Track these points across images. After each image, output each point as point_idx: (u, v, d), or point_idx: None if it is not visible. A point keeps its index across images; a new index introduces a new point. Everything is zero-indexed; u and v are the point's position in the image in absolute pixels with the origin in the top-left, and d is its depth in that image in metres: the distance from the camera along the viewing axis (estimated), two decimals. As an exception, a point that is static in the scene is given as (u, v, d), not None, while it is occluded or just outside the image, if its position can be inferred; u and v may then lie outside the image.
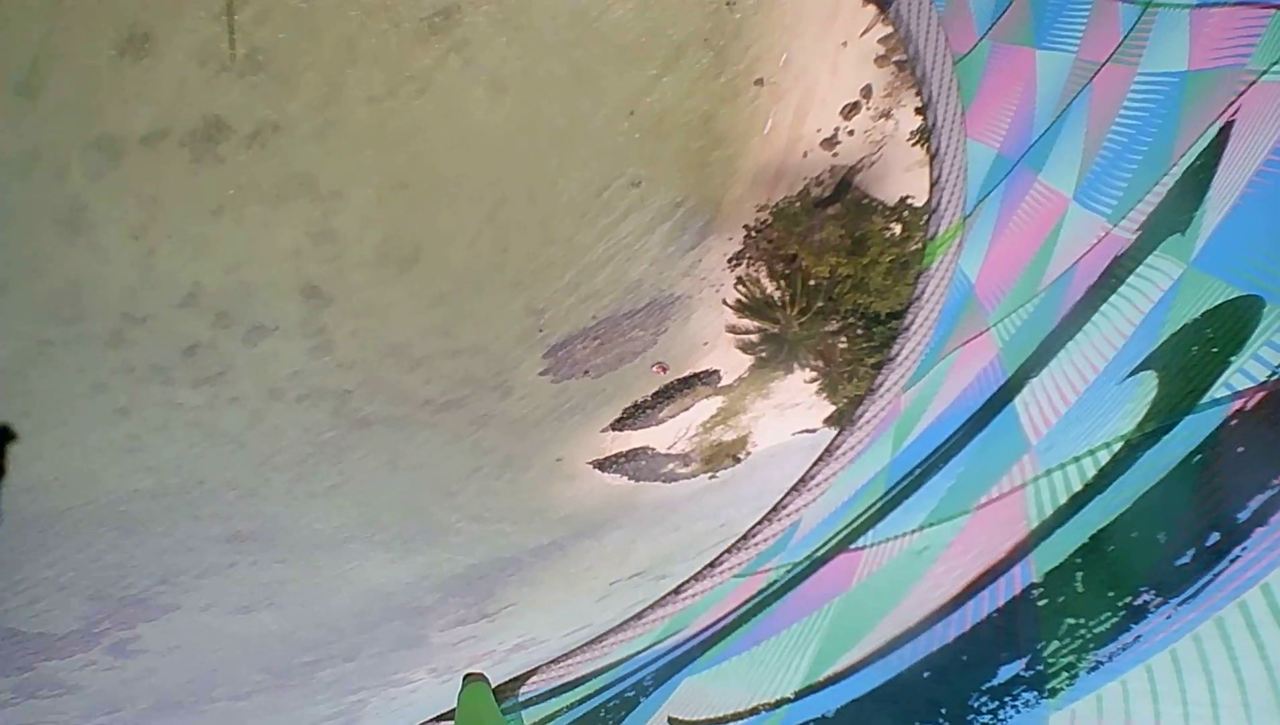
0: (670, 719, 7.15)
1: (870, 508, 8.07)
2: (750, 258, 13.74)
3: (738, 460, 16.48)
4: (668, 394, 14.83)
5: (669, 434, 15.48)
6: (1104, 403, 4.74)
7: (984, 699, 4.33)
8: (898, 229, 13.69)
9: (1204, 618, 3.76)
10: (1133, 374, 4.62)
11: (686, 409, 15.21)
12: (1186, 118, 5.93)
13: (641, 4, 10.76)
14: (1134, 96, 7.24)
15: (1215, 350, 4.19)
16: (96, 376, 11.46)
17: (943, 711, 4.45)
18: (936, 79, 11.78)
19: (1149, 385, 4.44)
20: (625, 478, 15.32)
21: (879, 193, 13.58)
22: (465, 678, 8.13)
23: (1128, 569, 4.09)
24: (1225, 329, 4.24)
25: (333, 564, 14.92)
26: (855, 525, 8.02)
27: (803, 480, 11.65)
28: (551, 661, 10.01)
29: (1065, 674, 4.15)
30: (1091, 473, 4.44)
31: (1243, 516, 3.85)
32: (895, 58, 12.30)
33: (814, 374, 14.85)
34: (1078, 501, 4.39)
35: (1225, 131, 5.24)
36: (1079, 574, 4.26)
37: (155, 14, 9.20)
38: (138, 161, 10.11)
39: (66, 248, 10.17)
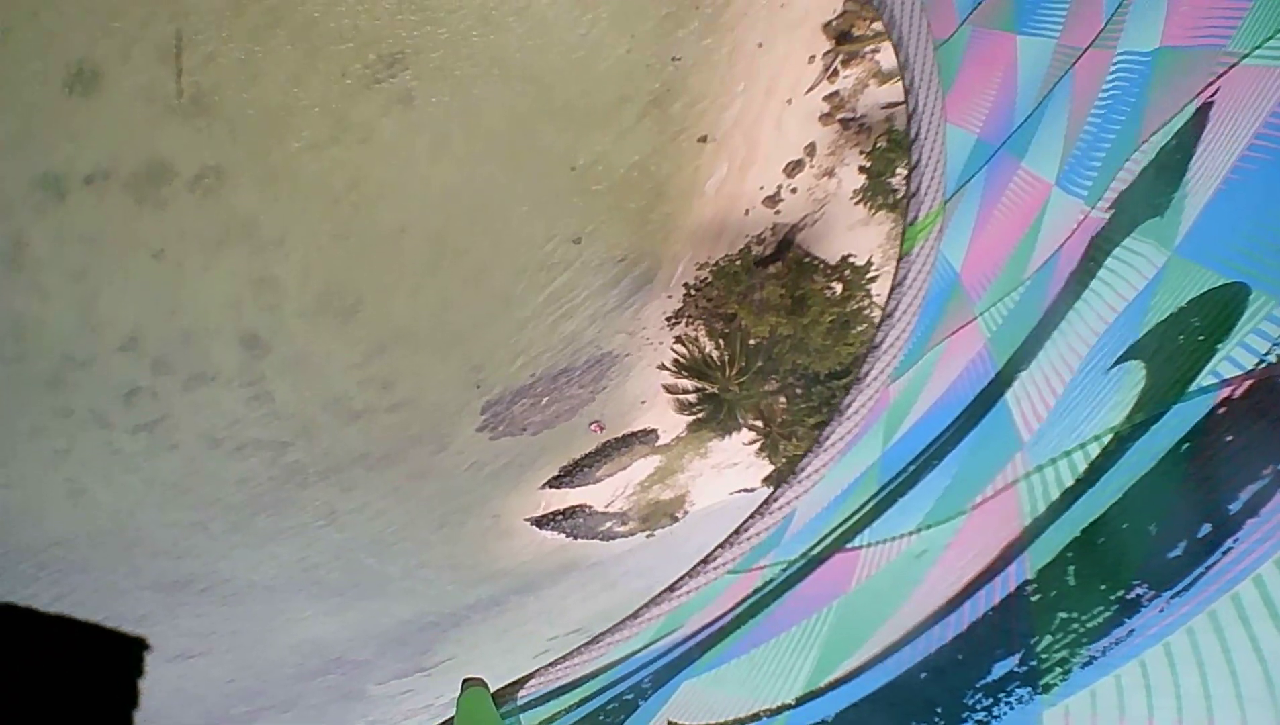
0: (670, 723, 7.12)
1: (865, 504, 8.06)
2: (689, 316, 13.67)
3: (675, 519, 16.48)
4: (605, 452, 14.79)
5: (606, 492, 15.47)
6: (1091, 395, 4.71)
7: (979, 696, 4.31)
8: (839, 288, 13.62)
9: (1197, 610, 3.74)
10: (1118, 364, 4.59)
11: (624, 467, 15.20)
12: (1157, 93, 5.89)
13: (587, 59, 10.54)
14: (1110, 77, 7.21)
15: (1202, 338, 4.17)
16: (36, 418, 11.24)
17: (938, 710, 4.44)
18: (918, 64, 11.70)
19: (1136, 376, 4.41)
20: (562, 535, 15.30)
21: (821, 251, 13.51)
22: (464, 682, 8.09)
23: (1120, 562, 4.07)
24: (1211, 316, 4.21)
25: (270, 614, 14.81)
26: (851, 523, 8.01)
27: (794, 472, 11.61)
28: (549, 664, 9.97)
29: (1059, 669, 4.14)
30: (1082, 466, 4.41)
31: (1234, 507, 3.83)
32: (840, 115, 12.21)
33: (753, 435, 14.77)
34: (1070, 496, 4.37)
35: (1204, 113, 5.20)
36: (1071, 568, 4.24)
37: (103, 51, 8.97)
38: (81, 201, 9.89)
39: (8, 285, 9.95)
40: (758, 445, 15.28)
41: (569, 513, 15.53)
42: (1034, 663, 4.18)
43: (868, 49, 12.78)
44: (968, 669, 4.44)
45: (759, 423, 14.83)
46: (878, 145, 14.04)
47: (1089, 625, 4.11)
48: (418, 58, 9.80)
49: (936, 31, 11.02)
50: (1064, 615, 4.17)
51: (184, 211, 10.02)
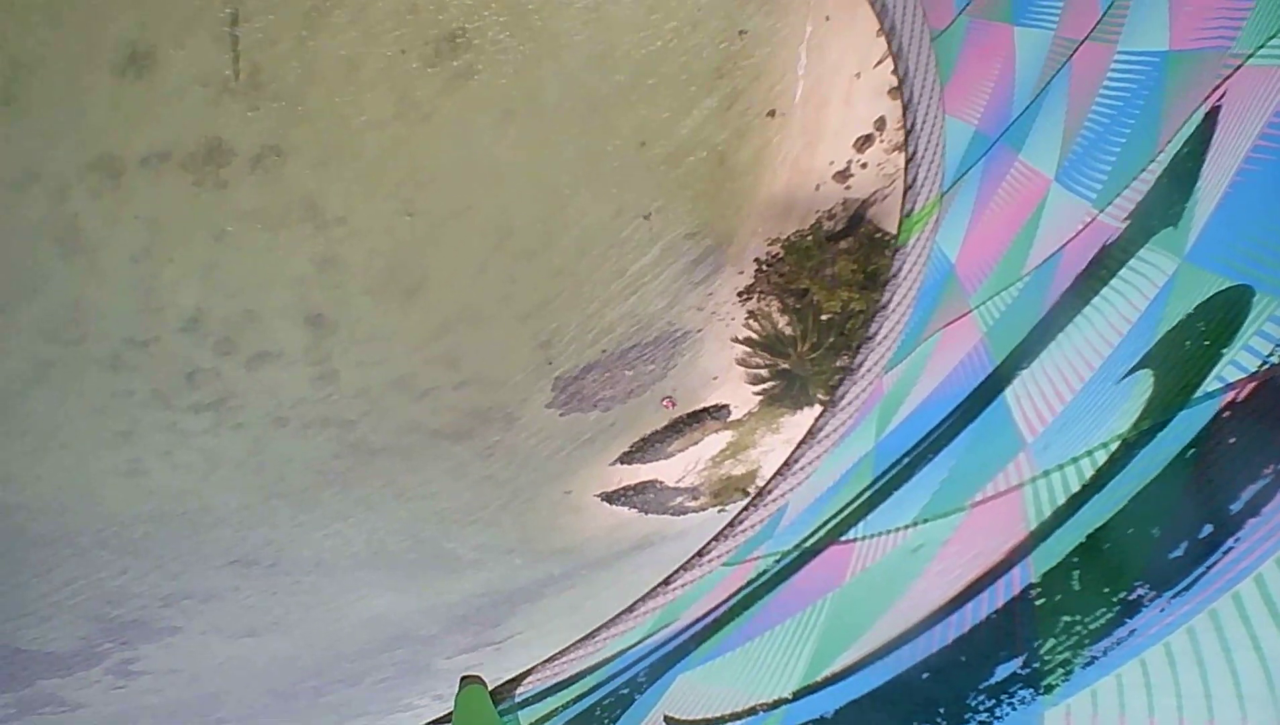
0: (666, 718, 7.15)
1: (858, 495, 8.08)
2: (761, 292, 13.51)
3: (747, 494, 16.43)
4: (677, 428, 14.73)
5: (678, 467, 15.40)
6: (1101, 403, 4.71)
7: (981, 698, 4.33)
8: (911, 263, 13.44)
9: (1197, 610, 3.76)
10: (1129, 374, 4.59)
11: (696, 443, 15.13)
12: (1170, 101, 5.86)
13: (654, 34, 10.29)
14: (1114, 76, 7.16)
15: (1207, 343, 4.17)
16: (97, 399, 11.05)
17: (940, 711, 4.46)
18: (913, 54, 11.60)
19: (1145, 384, 4.42)
20: (633, 510, 15.28)
21: (892, 226, 13.38)
22: (462, 680, 8.11)
23: (1123, 565, 4.10)
24: (1217, 321, 4.21)
25: (338, 591, 14.77)
26: (845, 514, 8.03)
27: (786, 464, 11.65)
28: (546, 660, 9.98)
29: (1061, 670, 4.16)
30: (1089, 473, 4.42)
31: (1235, 507, 3.84)
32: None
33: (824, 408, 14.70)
34: (1076, 502, 4.38)
35: (1212, 118, 5.18)
36: (1075, 572, 4.26)
37: (156, 33, 8.66)
38: (138, 183, 9.61)
39: (66, 268, 9.71)
40: (828, 419, 15.27)
41: (640, 488, 15.53)
42: (1037, 665, 4.20)
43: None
44: (970, 670, 4.46)
45: (830, 398, 14.88)
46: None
47: (1091, 627, 4.13)
48: (479, 35, 9.62)
49: (934, 22, 10.91)
50: (1067, 618, 4.19)
51: (244, 192, 9.84)
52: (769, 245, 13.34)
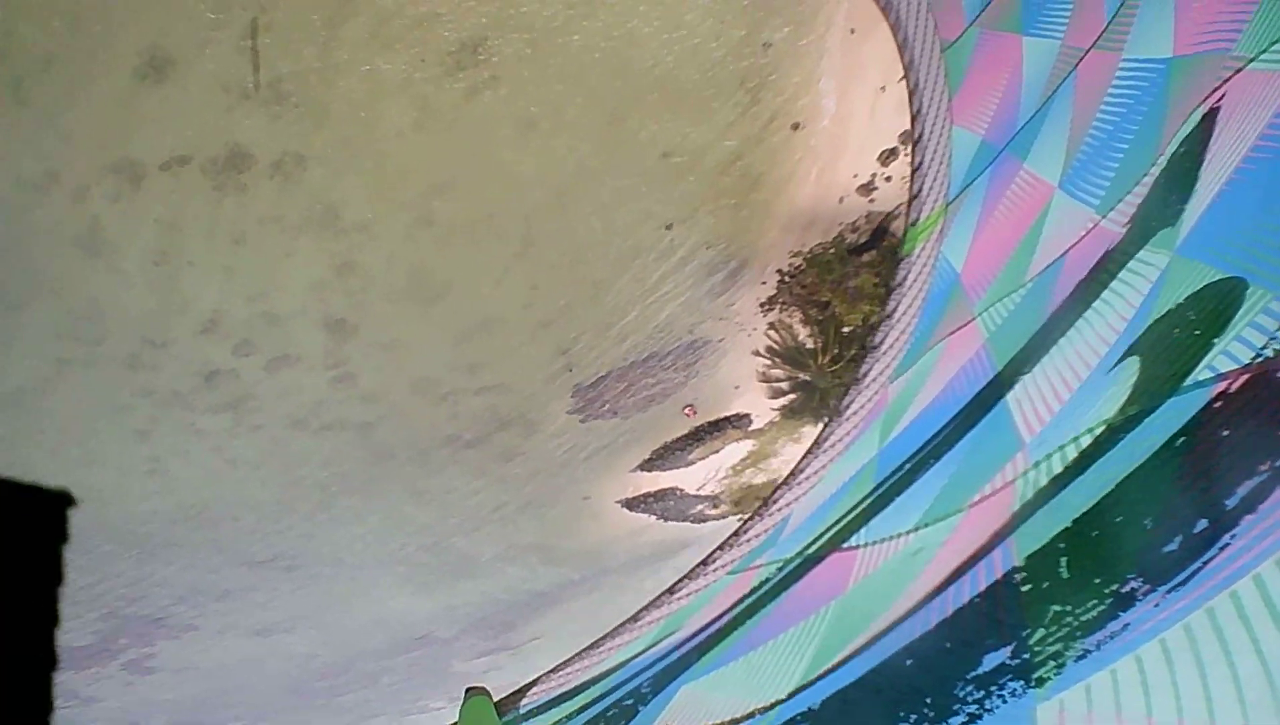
0: None
1: (860, 503, 8.02)
2: (783, 303, 13.56)
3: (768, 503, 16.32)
4: (697, 436, 14.75)
5: (699, 475, 15.37)
6: (1090, 393, 4.68)
7: (969, 688, 4.27)
8: (933, 277, 13.44)
9: (1194, 607, 3.69)
10: (1118, 362, 4.57)
11: (716, 451, 15.11)
12: (1173, 105, 5.87)
13: (676, 45, 10.49)
14: (1118, 83, 7.18)
15: (1198, 332, 4.14)
16: (116, 398, 11.33)
17: (928, 701, 4.40)
18: (924, 66, 11.70)
19: (1131, 370, 4.39)
20: (654, 517, 15.27)
21: None
22: (467, 691, 8.13)
23: (1114, 555, 4.04)
24: (1208, 311, 4.19)
25: (354, 592, 14.83)
26: (846, 522, 7.97)
27: (792, 474, 11.59)
28: (551, 670, 9.93)
29: (1052, 662, 4.09)
30: (1072, 455, 4.38)
31: (1231, 503, 3.79)
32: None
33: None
34: (1058, 483, 4.34)
35: (1210, 118, 5.18)
36: (1063, 559, 4.21)
37: (176, 39, 9.04)
38: (158, 187, 9.98)
39: (86, 269, 10.05)
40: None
41: (660, 495, 15.48)
42: (1027, 655, 4.14)
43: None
44: (956, 658, 4.40)
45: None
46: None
47: (1083, 618, 4.07)
48: (501, 43, 9.82)
49: (944, 33, 11.02)
50: (1057, 607, 4.13)
51: (264, 197, 10.08)
52: (791, 256, 13.38)
